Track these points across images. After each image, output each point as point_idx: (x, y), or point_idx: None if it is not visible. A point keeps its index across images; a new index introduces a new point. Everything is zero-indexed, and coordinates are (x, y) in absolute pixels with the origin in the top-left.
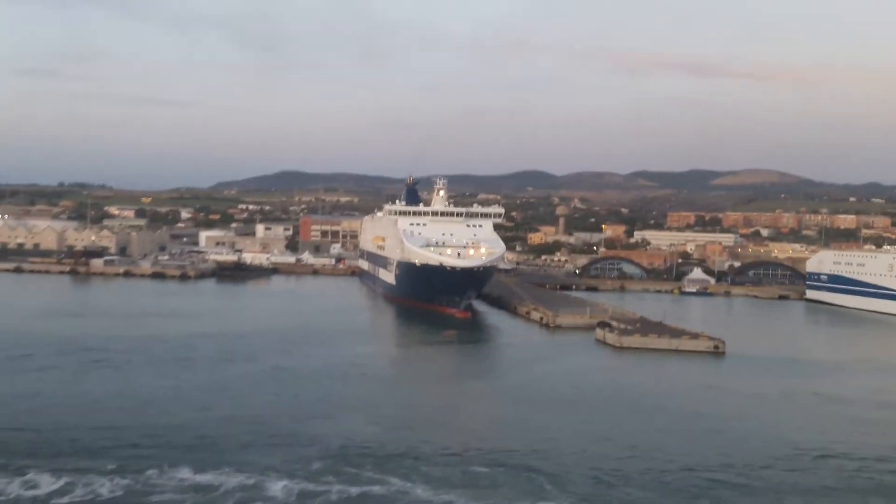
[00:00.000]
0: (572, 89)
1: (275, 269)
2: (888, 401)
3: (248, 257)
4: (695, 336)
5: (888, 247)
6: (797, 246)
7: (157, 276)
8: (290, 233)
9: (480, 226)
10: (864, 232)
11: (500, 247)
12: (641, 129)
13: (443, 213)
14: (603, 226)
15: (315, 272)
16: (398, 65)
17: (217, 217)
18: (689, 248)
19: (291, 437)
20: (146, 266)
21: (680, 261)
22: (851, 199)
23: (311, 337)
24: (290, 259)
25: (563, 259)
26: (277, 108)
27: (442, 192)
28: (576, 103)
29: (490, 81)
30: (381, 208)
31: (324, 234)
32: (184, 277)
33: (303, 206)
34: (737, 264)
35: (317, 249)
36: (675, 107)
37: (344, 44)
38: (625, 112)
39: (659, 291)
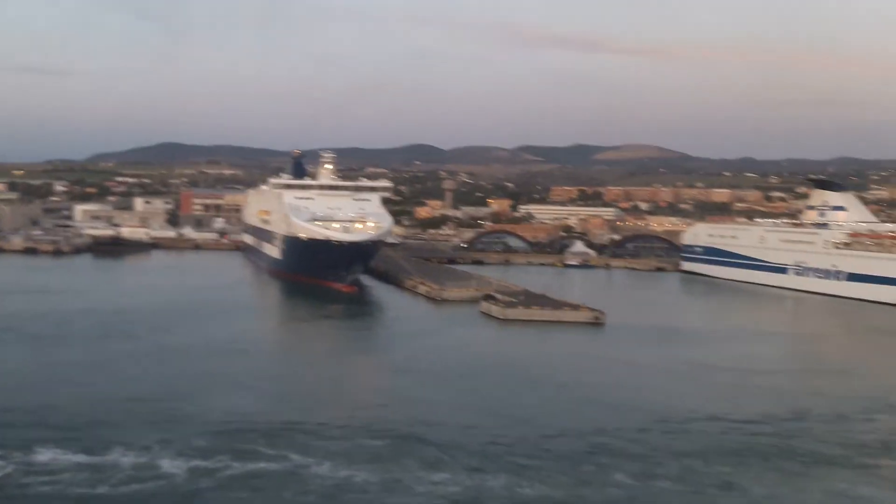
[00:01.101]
0: (460, 63)
1: (154, 245)
2: (757, 367)
3: (127, 232)
4: (576, 307)
5: (759, 220)
6: (674, 219)
7: (30, 251)
8: (170, 207)
9: (368, 200)
10: (737, 205)
11: (387, 221)
12: (528, 104)
13: (329, 187)
14: (489, 200)
15: (197, 247)
16: (290, 36)
17: (93, 190)
18: (572, 221)
19: (175, 415)
20: (17, 241)
21: (563, 234)
22: (726, 173)
23: (194, 313)
24: (171, 234)
25: (449, 233)
26: (162, 77)
27: (329, 166)
28: (463, 77)
29: (379, 54)
30: (266, 182)
31: (206, 208)
32: (58, 253)
33: (184, 180)
34: (617, 237)
35: (199, 224)
36: (560, 82)
37: (242, 13)
38: (512, 86)
39: (542, 264)
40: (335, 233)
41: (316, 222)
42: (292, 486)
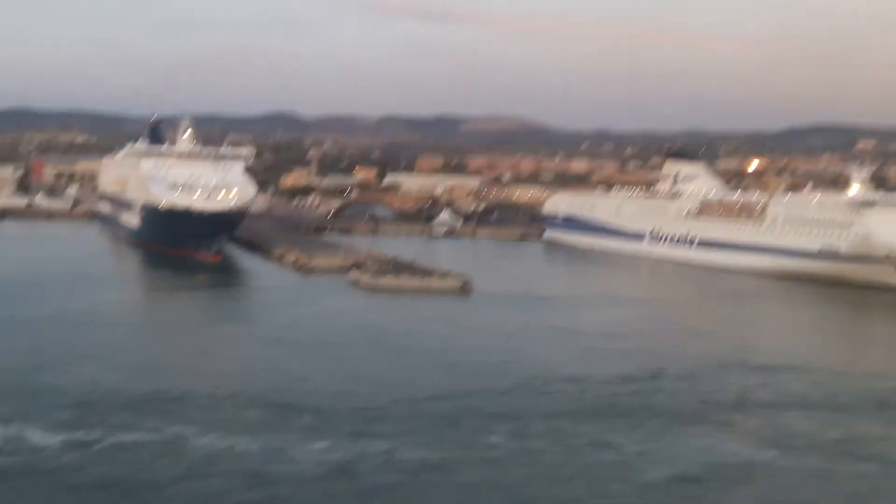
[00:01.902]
0: (324, 31)
1: (3, 214)
2: (618, 331)
3: None
4: (444, 276)
5: (616, 189)
6: (536, 189)
7: None
8: (20, 174)
9: (230, 168)
10: (595, 176)
11: (250, 189)
12: (393, 74)
13: (189, 155)
14: (355, 170)
15: (50, 216)
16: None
17: None
18: (438, 191)
19: (34, 387)
20: None
21: (430, 204)
22: (584, 145)
23: (47, 285)
24: (21, 203)
25: (316, 202)
26: (8, 40)
27: (187, 133)
28: (327, 45)
29: (238, 19)
30: (122, 149)
31: (59, 175)
32: None
33: (35, 146)
34: (482, 207)
35: (51, 192)
36: (425, 52)
37: None
38: (376, 56)
39: (410, 234)
40: (197, 201)
41: (176, 191)
42: (172, 457)
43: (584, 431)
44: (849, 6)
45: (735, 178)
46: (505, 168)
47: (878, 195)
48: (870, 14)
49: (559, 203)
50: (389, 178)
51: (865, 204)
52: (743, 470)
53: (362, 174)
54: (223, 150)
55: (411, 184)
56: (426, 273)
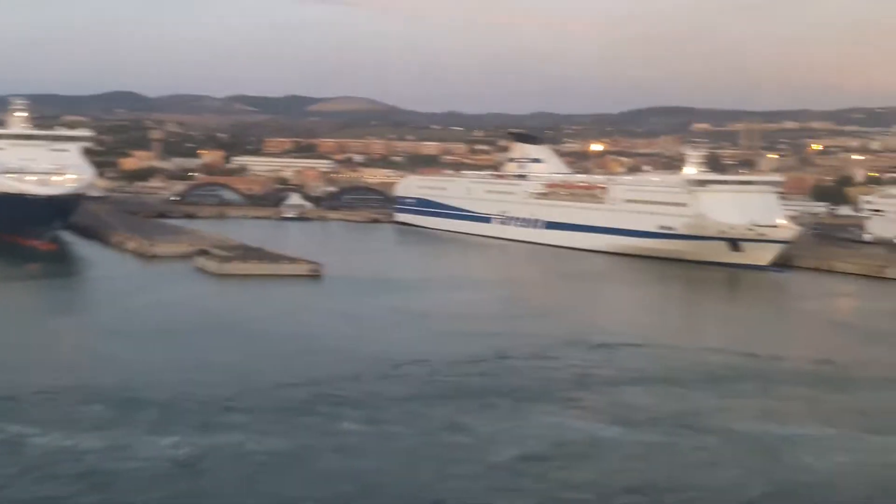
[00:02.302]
0: (164, 7)
1: None
2: (466, 312)
3: None
4: (294, 260)
5: (466, 172)
6: (387, 171)
7: None
8: None
9: (66, 150)
10: (446, 158)
11: (88, 173)
12: (240, 53)
13: (22, 137)
14: (200, 151)
15: None
16: None
17: None
18: (288, 174)
19: None
20: None
21: (279, 187)
22: (434, 126)
23: None
24: None
25: (159, 186)
26: None
27: (20, 114)
28: (169, 21)
29: None
30: None
31: None
32: None
33: None
34: (332, 190)
35: None
36: (274, 31)
37: None
38: (224, 34)
39: (259, 218)
40: (30, 186)
41: (7, 175)
42: (8, 457)
43: (437, 414)
44: None
45: (579, 160)
46: (356, 150)
47: (711, 175)
48: (708, 3)
49: (410, 185)
50: (237, 161)
51: (699, 184)
52: (588, 446)
53: (208, 156)
54: (59, 131)
55: (259, 166)
56: (276, 258)
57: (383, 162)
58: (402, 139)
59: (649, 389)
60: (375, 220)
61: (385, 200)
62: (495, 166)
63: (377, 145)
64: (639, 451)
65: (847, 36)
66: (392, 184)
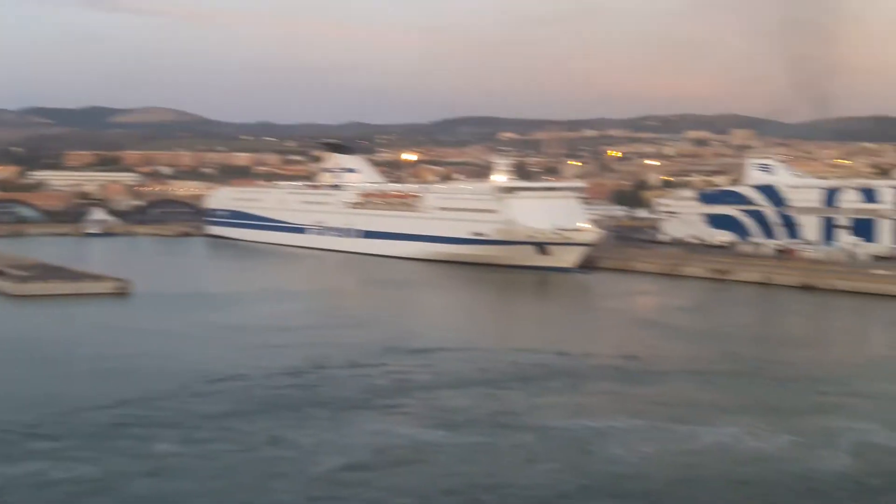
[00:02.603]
0: None
1: None
2: (283, 325)
3: None
4: (98, 278)
5: (280, 182)
6: (198, 183)
7: None
8: None
9: None
10: (258, 169)
11: None
12: (35, 63)
13: None
14: None
15: None
16: None
17: None
18: (90, 188)
19: None
20: None
21: (81, 202)
22: (246, 137)
23: None
24: None
25: None
26: None
27: None
28: None
29: None
30: None
31: None
32: None
33: None
34: (140, 203)
35: None
36: (72, 40)
37: None
38: (15, 44)
39: (60, 234)
40: None
41: None
42: None
43: (256, 429)
44: (497, 5)
45: (393, 170)
46: (163, 162)
47: (518, 183)
48: (517, 14)
49: (222, 197)
50: (34, 176)
51: (508, 191)
52: (411, 451)
53: (3, 172)
54: None
55: (60, 181)
56: (78, 276)
57: (193, 174)
58: (212, 150)
59: (467, 392)
60: (186, 234)
61: (196, 213)
62: (309, 177)
63: (186, 157)
64: (460, 453)
65: (640, 47)
66: (203, 196)
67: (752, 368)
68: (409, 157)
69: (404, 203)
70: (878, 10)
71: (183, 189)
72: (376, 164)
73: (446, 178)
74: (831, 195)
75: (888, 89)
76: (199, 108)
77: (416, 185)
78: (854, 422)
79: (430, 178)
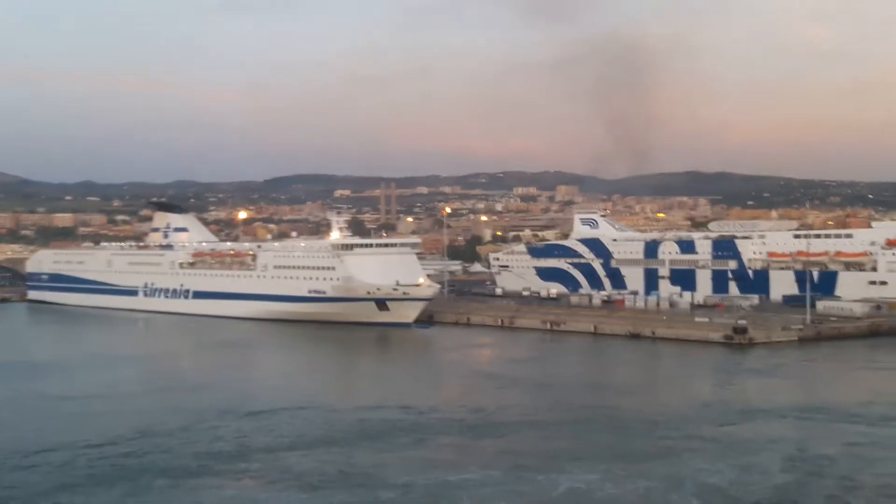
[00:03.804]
0: None
1: None
2: (110, 392)
3: None
4: None
5: (105, 244)
6: (16, 247)
7: None
8: None
9: None
10: (83, 230)
11: None
12: None
13: None
14: None
15: None
16: None
17: None
18: None
19: None
20: None
21: None
22: (67, 197)
23: None
24: None
25: None
26: None
27: None
28: None
29: None
30: None
31: None
32: None
33: None
34: None
35: None
36: None
37: None
38: None
39: None
40: None
41: None
42: None
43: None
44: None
45: (226, 228)
46: None
47: (355, 239)
48: (351, 72)
49: (44, 260)
50: None
51: (345, 248)
52: None
53: None
54: None
55: None
56: None
57: (12, 236)
58: (32, 212)
59: (313, 453)
60: (5, 300)
61: (15, 277)
62: (138, 237)
63: (3, 218)
64: None
65: (470, 107)
66: (23, 259)
67: (592, 416)
68: (243, 214)
69: (239, 262)
70: (690, 70)
71: (1, 252)
72: (208, 222)
73: (282, 235)
74: (652, 247)
75: (699, 146)
76: (16, 169)
77: (252, 244)
78: (695, 464)
79: (266, 235)
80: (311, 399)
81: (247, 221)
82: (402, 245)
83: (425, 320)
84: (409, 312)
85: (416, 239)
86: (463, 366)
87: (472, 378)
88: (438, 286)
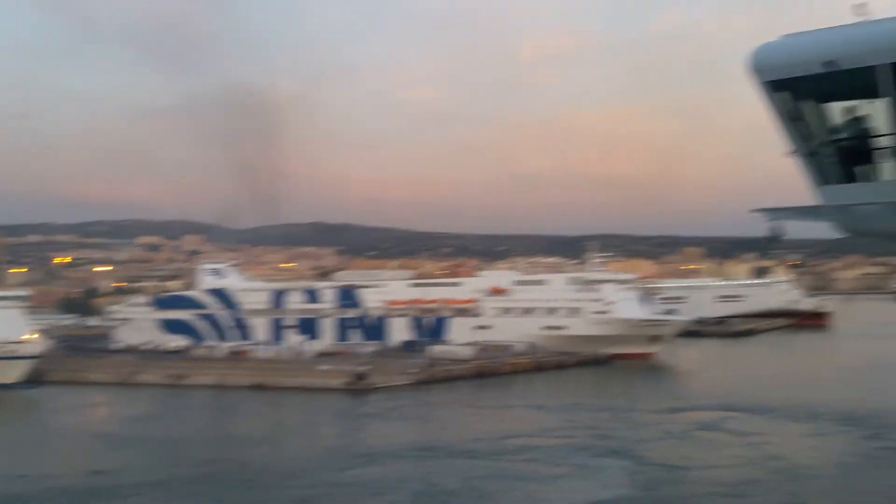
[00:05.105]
0: None
1: None
2: None
3: None
4: None
5: None
6: None
7: None
8: None
9: None
10: None
11: None
12: None
13: None
14: None
15: None
16: None
17: None
18: None
19: None
20: None
21: None
22: None
23: None
24: None
25: None
26: None
27: None
28: None
29: None
30: None
31: None
32: None
33: None
34: None
35: None
36: None
37: None
38: None
39: None
40: None
41: None
42: None
43: None
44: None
45: None
46: None
47: None
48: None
49: None
50: None
51: None
52: None
53: None
54: None
55: None
56: None
57: None
58: None
59: None
60: None
61: None
62: None
63: None
64: None
65: (86, 151)
66: None
67: (218, 471)
68: None
69: None
70: (314, 124)
71: None
72: None
73: None
74: (279, 297)
75: (324, 198)
76: None
77: None
78: None
79: None
80: None
81: None
82: (8, 298)
83: (33, 380)
84: (13, 372)
85: (23, 291)
86: (76, 428)
87: (86, 440)
88: (49, 342)
